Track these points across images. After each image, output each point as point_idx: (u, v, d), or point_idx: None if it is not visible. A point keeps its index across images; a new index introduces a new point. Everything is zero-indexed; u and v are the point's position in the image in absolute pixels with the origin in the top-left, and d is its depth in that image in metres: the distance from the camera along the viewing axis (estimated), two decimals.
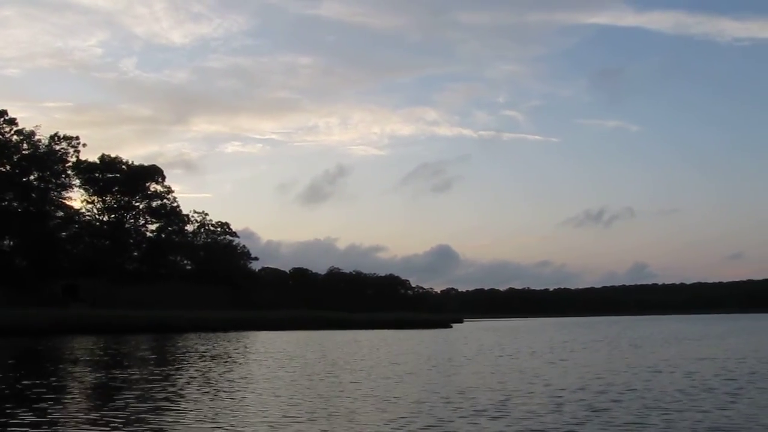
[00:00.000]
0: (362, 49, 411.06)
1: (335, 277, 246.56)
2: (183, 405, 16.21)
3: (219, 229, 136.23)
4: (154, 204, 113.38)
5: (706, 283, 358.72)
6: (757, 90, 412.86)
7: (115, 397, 17.47)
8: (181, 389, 19.44)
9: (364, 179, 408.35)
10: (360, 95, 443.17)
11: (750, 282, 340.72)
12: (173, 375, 23.88)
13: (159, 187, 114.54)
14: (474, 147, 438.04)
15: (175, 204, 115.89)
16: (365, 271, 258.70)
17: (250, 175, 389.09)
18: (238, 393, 18.56)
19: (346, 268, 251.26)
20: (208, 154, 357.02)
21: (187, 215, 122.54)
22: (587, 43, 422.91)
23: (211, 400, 17.10)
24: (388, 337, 61.62)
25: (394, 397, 17.38)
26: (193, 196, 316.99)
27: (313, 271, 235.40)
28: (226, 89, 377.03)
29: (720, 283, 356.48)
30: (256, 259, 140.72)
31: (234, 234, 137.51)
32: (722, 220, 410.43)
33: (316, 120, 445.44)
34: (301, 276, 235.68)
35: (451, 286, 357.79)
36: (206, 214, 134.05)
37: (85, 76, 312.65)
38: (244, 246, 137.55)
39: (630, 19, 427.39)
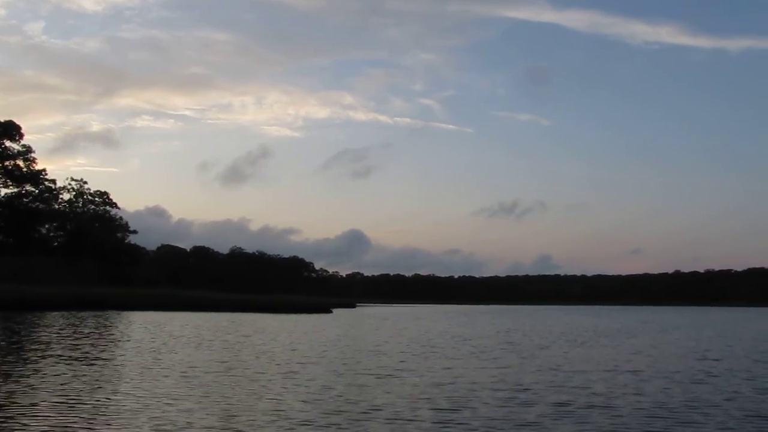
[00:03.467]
0: (280, 29, 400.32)
1: (238, 257, 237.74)
2: None
3: (98, 198, 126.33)
4: (8, 164, 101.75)
5: (605, 276, 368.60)
6: (661, 93, 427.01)
7: None
8: None
9: (284, 162, 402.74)
10: (276, 75, 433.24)
11: (647, 276, 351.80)
12: None
13: (16, 146, 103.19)
14: (392, 134, 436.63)
15: (37, 167, 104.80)
16: (275, 252, 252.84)
17: (161, 151, 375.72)
18: None
19: (260, 249, 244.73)
20: (117, 128, 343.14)
21: (54, 181, 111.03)
22: (505, 37, 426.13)
23: None
24: (240, 322, 56.04)
25: None
26: (99, 170, 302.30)
27: (219, 251, 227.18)
28: (139, 62, 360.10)
29: (619, 276, 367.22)
30: (134, 232, 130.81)
31: (114, 205, 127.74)
32: (625, 216, 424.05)
33: (231, 98, 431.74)
34: (202, 255, 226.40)
35: (358, 271, 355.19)
36: (84, 183, 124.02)
37: None
38: (121, 218, 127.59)
39: (548, 15, 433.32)
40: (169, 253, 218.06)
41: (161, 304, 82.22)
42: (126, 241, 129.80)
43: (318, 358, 25.42)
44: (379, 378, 19.36)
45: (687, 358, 27.77)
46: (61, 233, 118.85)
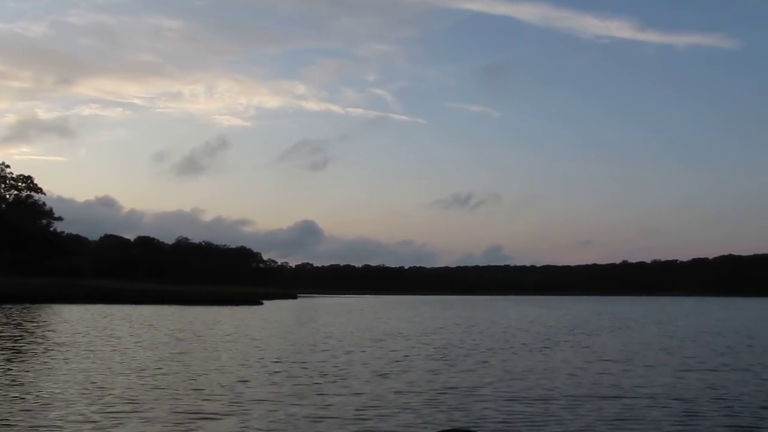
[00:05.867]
0: (232, 17, 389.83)
1: (183, 248, 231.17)
2: None
3: (21, 183, 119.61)
4: None
5: (555, 266, 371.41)
6: (612, 86, 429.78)
7: None
8: None
9: (240, 153, 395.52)
10: (227, 64, 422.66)
11: (596, 266, 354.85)
12: None
13: None
14: (345, 125, 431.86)
15: None
16: (226, 243, 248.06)
17: (109, 140, 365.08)
18: None
19: (211, 240, 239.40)
20: (63, 116, 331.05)
21: None
22: (458, 29, 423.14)
23: None
24: (146, 316, 51.89)
25: None
26: (44, 159, 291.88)
27: (166, 242, 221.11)
28: (86, 48, 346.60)
29: (568, 266, 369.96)
30: (59, 219, 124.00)
31: (39, 190, 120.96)
32: (577, 208, 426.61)
33: (181, 87, 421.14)
34: (145, 245, 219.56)
35: (308, 261, 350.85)
36: (7, 166, 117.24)
37: None
38: (44, 204, 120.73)
39: (501, 8, 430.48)
40: (111, 244, 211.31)
41: (80, 296, 77.45)
42: (52, 229, 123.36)
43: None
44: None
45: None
46: None
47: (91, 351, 23.52)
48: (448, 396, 14.87)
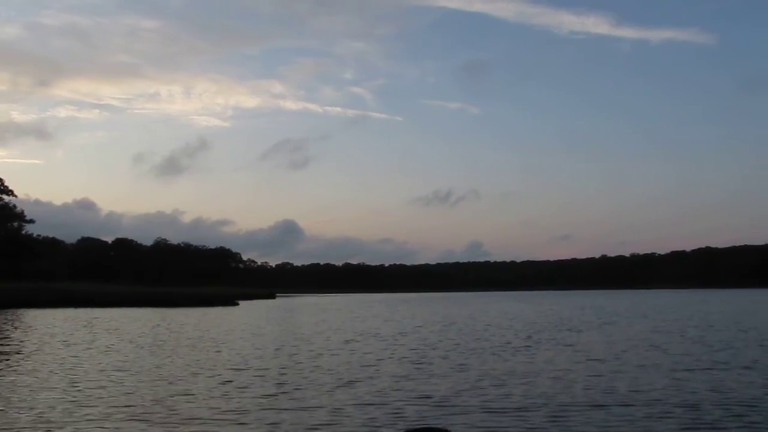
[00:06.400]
0: (208, 17, 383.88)
1: (162, 249, 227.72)
2: None
3: None
4: None
5: (534, 261, 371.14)
6: (589, 82, 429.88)
7: None
8: None
9: (221, 154, 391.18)
10: (204, 64, 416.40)
11: (574, 261, 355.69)
12: None
13: None
14: (323, 123, 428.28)
15: None
16: (207, 244, 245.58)
17: (87, 142, 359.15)
18: None
19: (192, 241, 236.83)
20: (39, 118, 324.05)
21: None
22: (435, 26, 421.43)
23: None
24: (106, 319, 49.57)
25: None
26: (21, 162, 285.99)
27: (145, 243, 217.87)
28: (61, 49, 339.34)
29: (548, 261, 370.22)
30: (30, 221, 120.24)
31: (9, 192, 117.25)
32: (556, 203, 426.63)
33: (158, 87, 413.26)
34: (123, 247, 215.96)
35: (288, 261, 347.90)
36: None
37: None
38: (14, 206, 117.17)
39: (478, 5, 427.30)
40: (89, 246, 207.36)
41: (51, 300, 75.01)
42: (24, 231, 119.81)
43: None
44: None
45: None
46: None
47: (31, 361, 21.39)
48: (418, 407, 12.98)
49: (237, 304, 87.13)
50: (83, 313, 57.86)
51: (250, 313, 64.37)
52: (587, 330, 35.25)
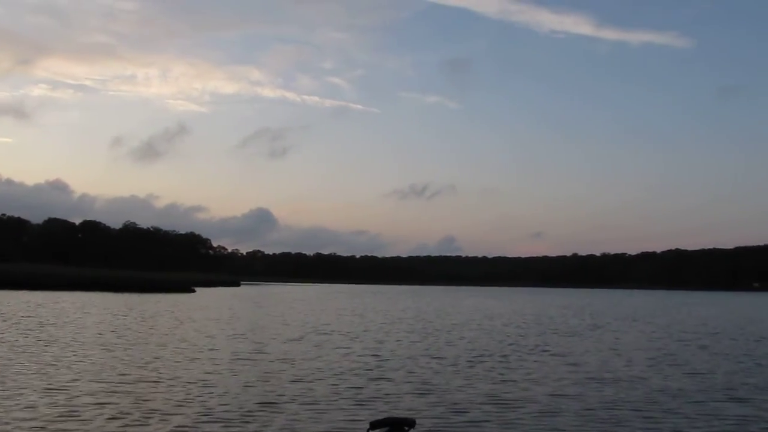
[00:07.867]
0: (187, 0, 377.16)
1: (130, 233, 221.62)
2: None
3: None
4: None
5: (506, 258, 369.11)
6: (568, 81, 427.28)
7: None
8: None
9: (200, 140, 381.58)
10: (182, 48, 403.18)
11: (545, 258, 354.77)
12: None
13: None
14: (301, 112, 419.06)
15: None
16: (178, 230, 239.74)
17: (59, 122, 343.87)
18: None
19: (163, 226, 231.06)
20: (10, 96, 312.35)
21: None
22: (416, 19, 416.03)
23: None
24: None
25: None
26: None
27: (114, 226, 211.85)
28: (36, 27, 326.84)
29: (519, 258, 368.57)
30: None
31: None
32: (530, 200, 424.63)
33: (135, 69, 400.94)
34: (91, 230, 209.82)
35: (259, 249, 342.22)
36: None
37: None
38: None
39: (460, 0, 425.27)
40: (55, 228, 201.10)
41: (4, 282, 69.98)
42: None
43: None
44: None
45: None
46: None
47: None
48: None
49: (193, 291, 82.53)
50: (31, 296, 53.57)
51: (203, 301, 59.96)
52: (576, 335, 31.56)
